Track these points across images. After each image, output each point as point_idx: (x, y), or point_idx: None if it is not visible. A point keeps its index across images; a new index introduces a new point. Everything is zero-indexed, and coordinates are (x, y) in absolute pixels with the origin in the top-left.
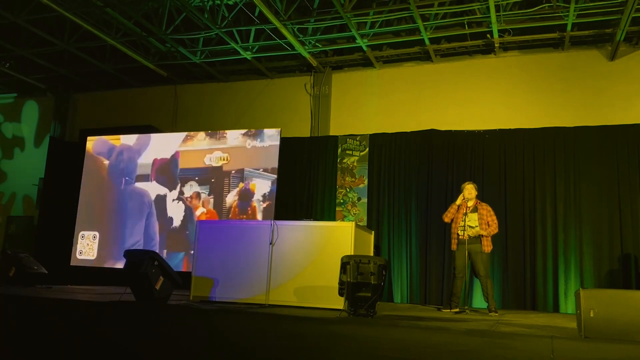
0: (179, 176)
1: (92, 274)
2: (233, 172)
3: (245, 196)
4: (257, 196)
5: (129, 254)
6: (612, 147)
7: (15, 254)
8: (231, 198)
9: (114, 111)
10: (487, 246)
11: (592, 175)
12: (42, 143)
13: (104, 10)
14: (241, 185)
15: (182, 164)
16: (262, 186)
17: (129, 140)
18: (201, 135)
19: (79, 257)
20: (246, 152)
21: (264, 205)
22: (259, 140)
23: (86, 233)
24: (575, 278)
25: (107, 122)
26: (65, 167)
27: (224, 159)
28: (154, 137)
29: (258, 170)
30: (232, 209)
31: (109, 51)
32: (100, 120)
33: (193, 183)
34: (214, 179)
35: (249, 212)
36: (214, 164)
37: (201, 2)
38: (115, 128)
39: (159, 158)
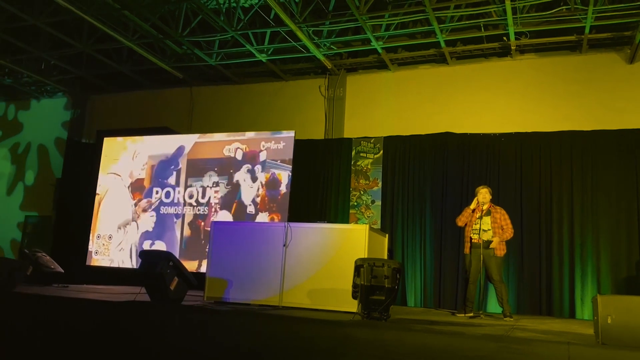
0: (198, 167)
1: (108, 273)
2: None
3: (274, 185)
4: (283, 186)
5: (145, 255)
6: (630, 151)
7: (32, 253)
8: (259, 187)
9: (130, 112)
10: (501, 250)
11: (610, 179)
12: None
13: (122, 12)
14: (267, 175)
15: (200, 154)
16: (285, 176)
17: (155, 148)
18: None
19: (94, 256)
20: (245, 136)
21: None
22: (273, 142)
23: (102, 233)
24: (592, 284)
25: (123, 124)
26: (82, 167)
27: (243, 150)
28: (176, 140)
29: (276, 161)
30: (262, 198)
31: (126, 53)
32: (117, 121)
33: (212, 173)
34: (232, 170)
35: (279, 199)
36: (233, 155)
37: (217, 5)
38: (132, 129)
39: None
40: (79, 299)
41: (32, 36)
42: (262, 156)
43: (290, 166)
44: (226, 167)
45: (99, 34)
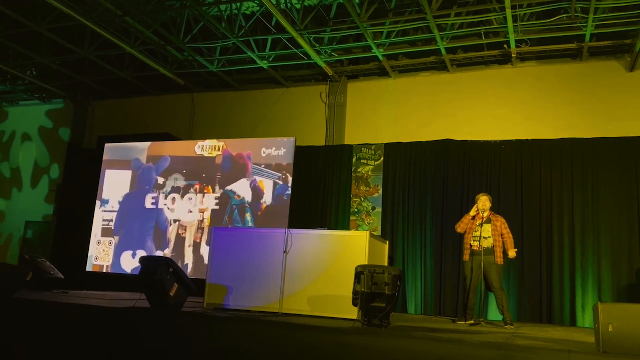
0: (165, 168)
1: (108, 279)
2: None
3: (256, 195)
4: (266, 197)
5: (144, 261)
6: (631, 158)
7: (32, 258)
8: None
9: (131, 118)
10: (501, 257)
11: (610, 187)
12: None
13: (124, 19)
14: (261, 181)
15: (169, 151)
16: (268, 186)
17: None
18: None
19: (94, 262)
20: (246, 142)
21: (271, 208)
22: (273, 148)
23: (102, 239)
24: (593, 291)
25: (124, 129)
26: (83, 173)
27: (217, 149)
28: (167, 145)
29: (260, 165)
30: (240, 208)
31: (128, 59)
32: (118, 127)
33: (178, 176)
34: (205, 173)
35: (259, 215)
36: (206, 154)
37: (219, 12)
38: (133, 135)
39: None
40: (79, 305)
41: (35, 42)
42: (252, 162)
43: (279, 173)
44: (196, 169)
45: (100, 40)
